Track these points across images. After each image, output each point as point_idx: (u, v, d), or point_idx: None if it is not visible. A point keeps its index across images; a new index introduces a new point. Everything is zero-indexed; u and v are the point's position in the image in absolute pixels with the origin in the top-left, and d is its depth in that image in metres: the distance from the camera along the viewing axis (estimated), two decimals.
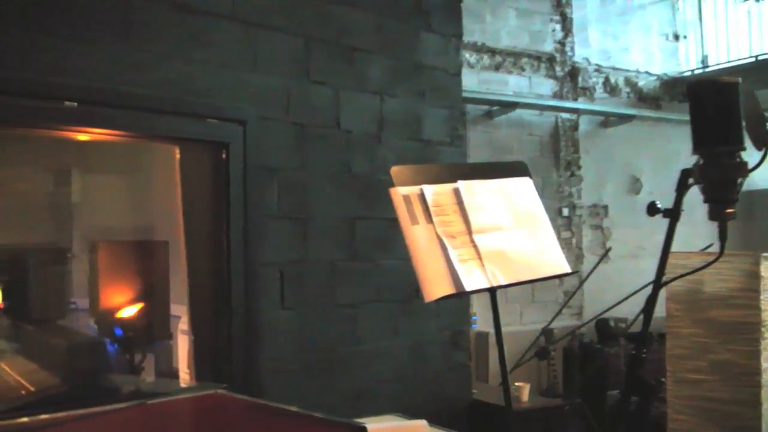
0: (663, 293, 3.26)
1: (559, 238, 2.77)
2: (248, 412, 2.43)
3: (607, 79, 6.98)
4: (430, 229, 2.40)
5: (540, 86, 6.50)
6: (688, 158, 2.39)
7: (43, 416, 2.23)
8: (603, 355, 5.77)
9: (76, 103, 2.82)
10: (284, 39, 3.51)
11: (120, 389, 3.20)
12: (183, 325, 3.65)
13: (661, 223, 3.21)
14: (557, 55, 6.68)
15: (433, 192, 2.47)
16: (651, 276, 3.20)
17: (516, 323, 6.02)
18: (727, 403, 3.19)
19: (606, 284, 5.84)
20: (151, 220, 4.16)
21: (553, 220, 2.76)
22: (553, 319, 5.35)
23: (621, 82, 7.10)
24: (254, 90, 3.38)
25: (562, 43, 6.71)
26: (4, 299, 4.03)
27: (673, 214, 2.55)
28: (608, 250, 6.28)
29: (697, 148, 2.33)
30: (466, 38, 4.94)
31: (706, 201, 2.33)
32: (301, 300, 3.51)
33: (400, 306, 3.91)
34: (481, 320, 5.46)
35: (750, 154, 2.14)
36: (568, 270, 2.66)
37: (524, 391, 4.41)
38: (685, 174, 2.39)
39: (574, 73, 6.75)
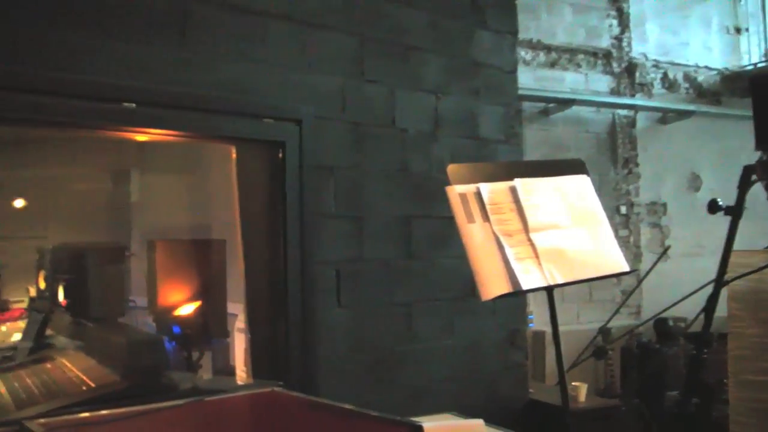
0: (724, 292, 3.21)
1: (616, 236, 2.73)
2: (304, 410, 2.44)
3: (665, 75, 6.88)
4: (486, 228, 2.39)
5: (596, 83, 6.44)
6: (750, 154, 2.34)
7: (103, 412, 2.26)
8: (662, 355, 5.69)
9: (134, 105, 2.84)
10: (339, 38, 3.51)
11: (178, 386, 3.22)
12: (240, 323, 3.68)
13: (722, 220, 3.16)
14: (614, 51, 6.60)
15: (489, 190, 2.46)
16: (711, 275, 3.15)
17: (573, 322, 5.97)
18: None
19: (665, 283, 5.77)
20: (208, 219, 4.20)
21: (610, 218, 2.72)
22: (610, 319, 5.28)
23: (680, 77, 6.98)
24: (310, 89, 3.38)
25: (618, 39, 6.63)
26: (65, 297, 4.10)
27: (735, 212, 2.51)
28: (667, 248, 6.18)
29: (760, 144, 2.29)
30: (521, 35, 4.90)
31: None
32: (357, 298, 3.51)
33: (456, 305, 3.89)
34: (537, 319, 5.43)
35: None
36: (626, 269, 2.63)
37: (581, 390, 4.36)
38: (748, 170, 2.35)
39: (631, 69, 6.67)
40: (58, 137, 4.98)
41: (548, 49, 6.13)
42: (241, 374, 3.56)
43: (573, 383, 4.29)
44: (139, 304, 4.11)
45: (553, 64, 6.17)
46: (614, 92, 6.54)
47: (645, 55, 6.77)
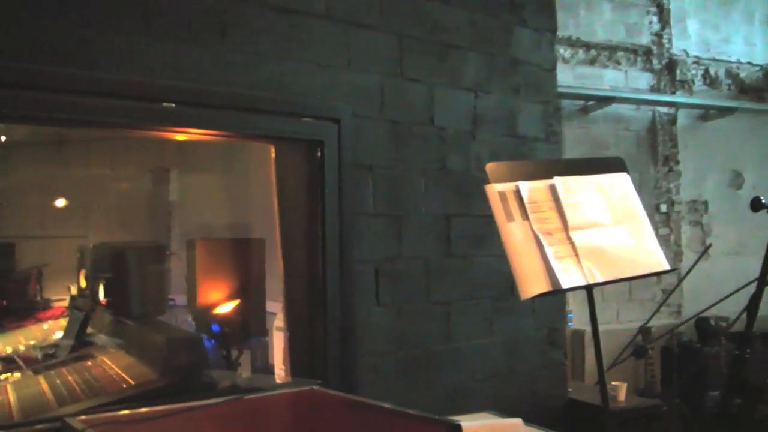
0: (767, 292, 3.16)
1: (656, 234, 2.70)
2: (343, 408, 2.45)
3: (706, 71, 6.78)
4: (526, 226, 2.39)
5: (637, 80, 6.36)
6: None
7: (143, 409, 2.28)
8: (703, 355, 5.63)
9: (174, 104, 2.86)
10: (378, 37, 3.51)
11: (217, 384, 3.24)
12: (279, 321, 3.69)
13: (765, 218, 3.11)
14: (654, 48, 6.52)
15: (528, 188, 2.45)
16: (754, 274, 3.10)
17: (613, 321, 5.92)
18: None
19: (706, 282, 5.70)
20: (247, 217, 4.22)
21: (650, 217, 2.70)
22: (651, 318, 5.22)
23: (722, 73, 6.88)
24: (349, 88, 3.39)
25: (659, 35, 6.55)
26: (106, 295, 4.14)
27: None
28: (708, 246, 6.09)
29: None
30: (560, 33, 4.86)
31: None
32: (396, 297, 3.51)
33: (495, 303, 3.87)
34: (577, 318, 5.39)
35: None
36: (667, 267, 2.61)
37: (621, 390, 4.33)
38: None
39: (672, 65, 6.58)
40: (98, 137, 5.04)
41: (587, 46, 6.07)
42: (280, 373, 3.58)
43: (612, 383, 4.27)
44: (178, 303, 4.14)
45: (592, 62, 6.11)
46: (654, 89, 6.46)
47: (686, 52, 6.68)
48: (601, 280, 2.43)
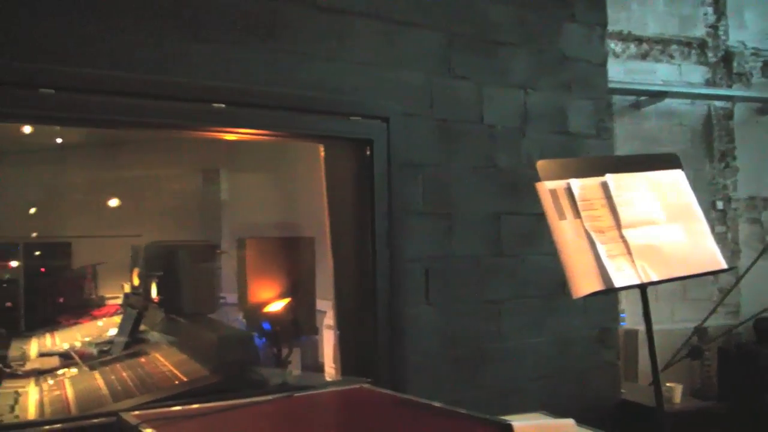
0: None
1: (712, 232, 2.65)
2: (393, 407, 2.44)
3: (765, 64, 6.63)
4: (577, 224, 2.38)
5: (691, 74, 6.26)
6: None
7: (194, 405, 2.30)
8: (762, 356, 5.52)
9: (224, 105, 2.88)
10: (426, 35, 3.50)
11: (267, 382, 3.26)
12: (328, 320, 3.71)
13: None
14: (709, 40, 6.41)
15: (580, 186, 2.44)
16: None
17: (667, 321, 5.83)
18: None
19: (765, 281, 5.58)
20: (297, 216, 4.25)
21: (706, 214, 2.65)
22: (707, 318, 5.14)
23: None
24: (397, 87, 3.38)
25: (714, 27, 6.43)
26: (158, 293, 4.20)
27: None
28: None
29: None
30: (610, 27, 4.80)
31: None
32: (446, 296, 3.49)
33: (546, 302, 3.84)
34: (629, 317, 5.33)
35: None
36: (724, 266, 2.57)
37: (676, 391, 4.26)
38: None
39: (728, 58, 6.46)
40: (150, 139, 5.12)
41: (639, 40, 5.99)
42: (330, 371, 3.59)
43: (667, 384, 4.21)
44: (229, 301, 4.18)
45: (644, 56, 6.03)
46: (710, 83, 6.35)
47: (743, 44, 6.54)
48: (655, 279, 2.40)
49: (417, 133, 3.43)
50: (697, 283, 5.83)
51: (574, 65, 4.05)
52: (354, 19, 3.27)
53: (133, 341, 4.07)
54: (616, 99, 5.68)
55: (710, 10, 6.42)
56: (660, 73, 6.11)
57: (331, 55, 3.20)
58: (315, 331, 3.95)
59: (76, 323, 5.28)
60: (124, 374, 3.41)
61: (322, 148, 3.31)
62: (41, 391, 3.38)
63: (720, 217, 6.31)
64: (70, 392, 3.28)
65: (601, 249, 2.33)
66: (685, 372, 5.49)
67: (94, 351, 4.17)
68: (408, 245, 3.35)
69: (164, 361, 3.51)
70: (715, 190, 6.31)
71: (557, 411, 3.23)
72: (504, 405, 3.55)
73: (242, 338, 3.55)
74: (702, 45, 6.37)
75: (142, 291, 4.50)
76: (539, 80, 3.89)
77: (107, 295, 5.76)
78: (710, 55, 6.39)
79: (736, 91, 6.41)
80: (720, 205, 6.31)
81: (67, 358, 4.08)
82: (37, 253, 6.16)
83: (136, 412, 2.17)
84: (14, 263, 5.95)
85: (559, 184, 2.42)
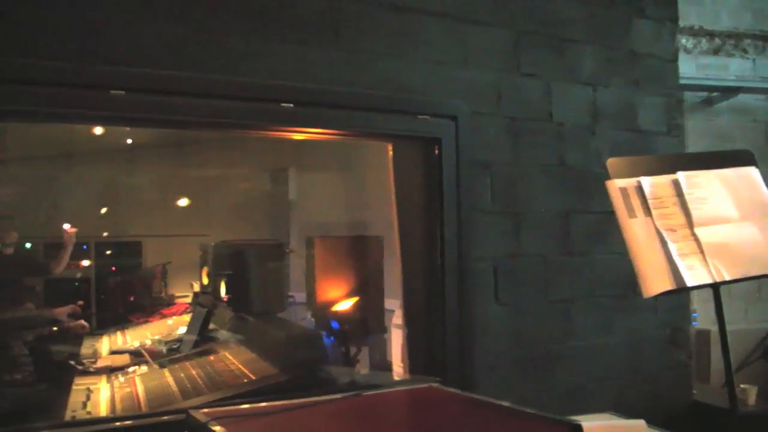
0: None
1: None
2: (462, 406, 2.43)
3: None
4: (648, 223, 2.36)
5: (765, 69, 6.11)
6: None
7: (263, 404, 2.32)
8: None
9: (292, 105, 2.90)
10: (494, 33, 3.48)
11: (336, 380, 3.28)
12: (397, 319, 3.71)
13: None
14: None
15: (651, 184, 2.41)
16: None
17: (740, 321, 5.71)
18: None
19: None
20: (365, 215, 4.27)
21: None
22: None
23: None
24: (465, 85, 3.37)
25: None
26: (227, 292, 4.25)
27: None
28: None
29: None
30: (681, 22, 4.71)
31: None
32: (515, 295, 3.47)
33: (616, 301, 3.79)
34: (701, 317, 5.23)
35: None
36: None
37: (751, 393, 4.17)
38: None
39: None
40: (218, 138, 5.19)
41: (711, 35, 5.88)
42: (398, 370, 3.60)
43: (741, 385, 4.12)
44: (298, 300, 4.22)
45: (716, 51, 5.91)
46: None
47: None
48: (728, 278, 2.36)
49: (485, 132, 3.41)
50: None
51: (644, 61, 3.99)
52: (422, 17, 3.27)
53: (202, 340, 4.13)
54: (687, 95, 5.58)
55: None
56: (733, 69, 5.99)
57: (399, 53, 3.20)
58: (383, 329, 3.96)
59: (146, 321, 5.38)
60: (194, 372, 3.46)
61: (390, 147, 3.32)
62: (112, 388, 3.46)
63: None
64: (140, 389, 3.34)
65: (673, 247, 2.30)
66: (760, 373, 5.36)
67: (164, 349, 4.24)
68: (476, 244, 3.34)
69: (233, 359, 3.55)
70: None
71: (627, 412, 3.20)
72: (573, 405, 3.53)
73: (310, 337, 3.58)
74: None
75: (211, 290, 4.56)
76: (608, 77, 3.85)
77: (177, 294, 5.86)
78: None
79: None
80: None
81: (137, 356, 4.16)
82: (108, 252, 6.31)
83: (206, 410, 2.20)
84: (86, 262, 6.09)
85: (629, 182, 2.40)
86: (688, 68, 5.51)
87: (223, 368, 3.43)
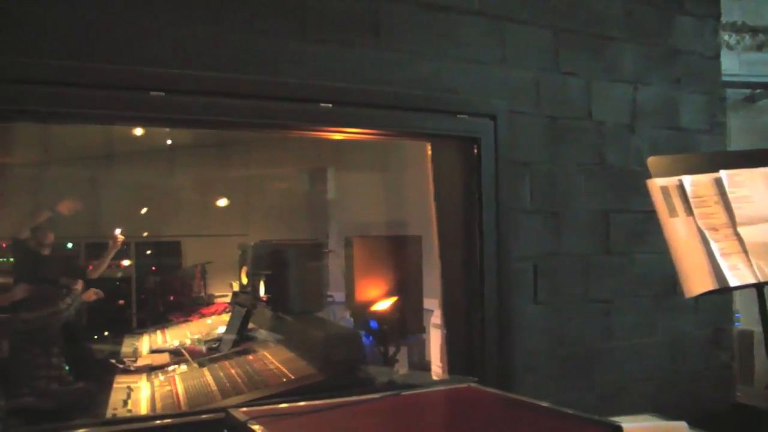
0: None
1: None
2: (500, 406, 2.42)
3: None
4: (690, 222, 2.31)
5: None
6: None
7: (302, 403, 2.33)
8: None
9: (331, 105, 2.91)
10: (532, 31, 3.46)
11: (374, 380, 3.27)
12: (436, 318, 3.71)
13: None
14: None
15: (692, 183, 2.37)
16: None
17: None
18: None
19: None
20: (404, 215, 4.26)
21: None
22: None
23: None
24: (504, 84, 3.36)
25: None
26: (266, 292, 4.26)
27: None
28: None
29: None
30: (724, 18, 4.64)
31: None
32: (554, 295, 3.46)
33: (657, 301, 3.76)
34: (744, 318, 5.15)
35: None
36: None
37: None
38: None
39: None
40: (257, 139, 5.22)
41: (754, 31, 5.79)
42: (437, 369, 3.59)
43: None
44: (337, 300, 4.22)
45: (760, 47, 5.82)
46: None
47: None
48: None
49: (524, 131, 3.40)
50: None
51: (686, 59, 3.95)
52: (460, 16, 3.26)
53: (241, 339, 4.15)
54: (730, 93, 5.49)
55: None
56: None
57: (438, 53, 3.20)
58: (422, 329, 3.95)
59: (185, 321, 5.43)
60: (233, 371, 3.47)
61: (429, 147, 3.31)
62: (152, 386, 3.49)
63: None
64: (180, 388, 3.37)
65: (715, 247, 2.26)
66: None
67: (204, 348, 4.27)
68: (516, 244, 3.33)
69: (272, 358, 3.56)
70: None
71: (668, 413, 3.17)
72: (612, 406, 3.50)
73: (349, 337, 3.58)
74: None
75: (251, 289, 4.58)
76: (649, 75, 3.81)
77: (216, 294, 5.91)
78: None
79: None
80: None
81: (177, 355, 4.20)
82: (149, 252, 6.38)
83: (245, 409, 2.21)
84: (126, 262, 6.17)
85: (670, 181, 2.36)
86: (731, 65, 5.42)
87: (261, 367, 3.44)
